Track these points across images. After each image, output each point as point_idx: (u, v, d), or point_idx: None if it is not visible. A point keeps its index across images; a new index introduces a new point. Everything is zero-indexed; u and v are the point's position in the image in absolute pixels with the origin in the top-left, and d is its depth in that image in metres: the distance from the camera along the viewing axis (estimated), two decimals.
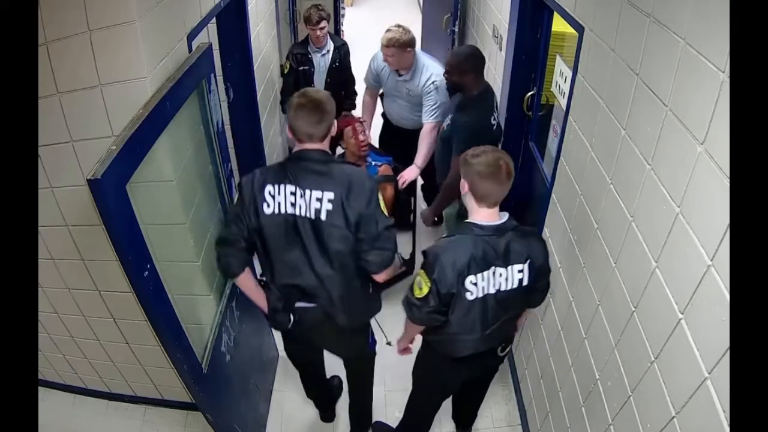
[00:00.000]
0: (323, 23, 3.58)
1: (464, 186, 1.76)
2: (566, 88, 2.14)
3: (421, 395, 2.27)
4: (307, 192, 1.70)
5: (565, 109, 2.12)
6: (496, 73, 3.33)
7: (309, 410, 2.71)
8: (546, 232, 2.30)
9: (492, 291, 1.72)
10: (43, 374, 2.62)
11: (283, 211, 1.72)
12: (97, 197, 1.28)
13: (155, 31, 1.64)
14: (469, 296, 1.69)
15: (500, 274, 1.71)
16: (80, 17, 1.46)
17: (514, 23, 2.79)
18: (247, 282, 1.88)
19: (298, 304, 1.88)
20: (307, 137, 1.72)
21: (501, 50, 3.15)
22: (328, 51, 3.72)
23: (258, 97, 3.30)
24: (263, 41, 3.51)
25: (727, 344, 0.99)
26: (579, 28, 1.90)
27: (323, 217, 1.70)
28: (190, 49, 1.94)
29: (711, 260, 1.08)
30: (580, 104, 1.93)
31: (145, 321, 2.03)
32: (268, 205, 1.72)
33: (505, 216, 1.75)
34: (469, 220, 1.74)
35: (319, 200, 1.70)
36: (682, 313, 1.20)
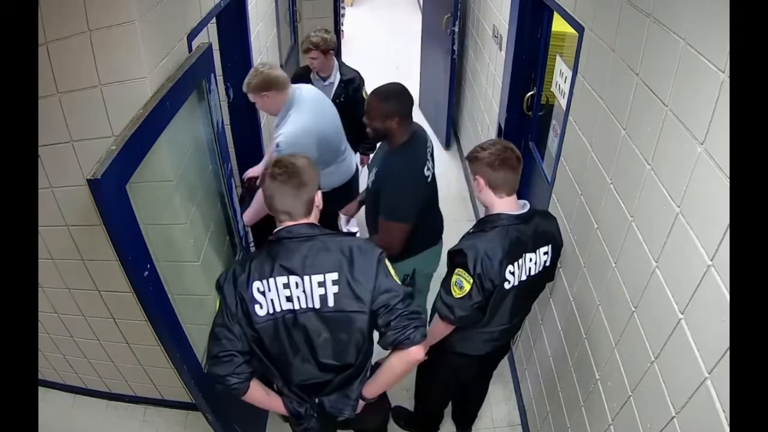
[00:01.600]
0: (313, 53, 3.04)
1: (479, 184, 1.77)
2: (566, 88, 2.14)
3: (432, 394, 2.29)
4: (305, 279, 1.43)
5: (565, 109, 2.12)
6: (496, 73, 3.33)
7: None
8: None
9: (524, 278, 1.75)
10: (43, 374, 2.62)
11: (278, 309, 1.45)
12: (97, 197, 1.28)
13: (155, 31, 1.64)
14: (507, 285, 1.71)
15: (530, 259, 1.75)
16: (80, 17, 1.46)
17: (514, 23, 2.79)
18: (256, 394, 1.53)
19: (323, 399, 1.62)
20: (287, 216, 1.48)
21: (501, 50, 3.15)
22: (332, 83, 3.21)
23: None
24: (263, 41, 3.51)
25: (727, 344, 0.99)
26: (579, 28, 1.90)
27: (331, 303, 1.45)
28: (190, 49, 1.94)
29: (711, 260, 1.08)
30: (580, 104, 1.93)
31: (145, 321, 2.02)
32: (261, 306, 1.44)
33: (526, 203, 1.78)
34: (494, 212, 1.74)
35: (322, 284, 1.44)
36: (682, 313, 1.20)
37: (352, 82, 3.20)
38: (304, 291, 1.44)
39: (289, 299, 1.44)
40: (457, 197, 4.31)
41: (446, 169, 4.67)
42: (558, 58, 2.42)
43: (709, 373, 1.07)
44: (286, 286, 1.43)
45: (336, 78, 3.20)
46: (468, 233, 1.80)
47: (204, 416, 2.04)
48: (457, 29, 4.20)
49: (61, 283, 2.12)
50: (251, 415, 2.49)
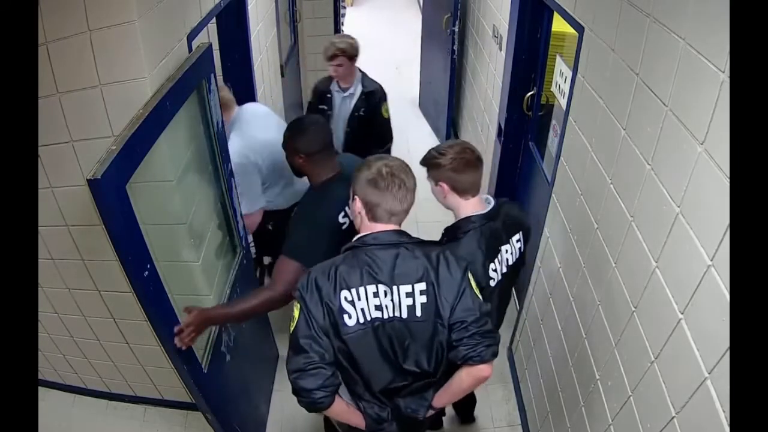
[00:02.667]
0: (339, 59, 2.90)
1: (443, 189, 1.73)
2: (566, 88, 2.14)
3: None
4: (394, 288, 1.39)
5: (565, 109, 2.12)
6: (496, 73, 3.33)
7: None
8: (546, 232, 2.30)
9: (504, 270, 1.76)
10: (43, 374, 2.62)
11: (369, 318, 1.40)
12: (97, 197, 1.28)
13: (155, 31, 1.64)
14: (492, 284, 1.72)
15: (506, 251, 1.76)
16: (80, 17, 1.46)
17: (514, 23, 2.79)
18: (339, 407, 1.49)
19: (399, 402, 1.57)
20: (389, 216, 1.46)
21: (501, 50, 3.15)
22: (352, 95, 3.06)
23: (258, 97, 3.29)
24: (263, 41, 3.51)
25: (727, 344, 0.99)
26: (579, 28, 1.90)
27: (418, 313, 1.41)
28: (190, 49, 1.94)
29: (711, 260, 1.08)
30: (580, 104, 1.93)
31: (145, 321, 2.02)
32: (350, 316, 1.38)
33: (489, 198, 1.78)
34: (462, 216, 1.73)
35: (410, 295, 1.40)
36: (682, 313, 1.20)
37: (373, 95, 3.02)
38: (392, 300, 1.40)
39: (378, 308, 1.40)
40: None
41: None
42: (558, 58, 2.42)
43: (709, 373, 1.07)
44: (376, 295, 1.39)
45: (357, 90, 3.04)
46: (444, 243, 1.73)
47: (204, 416, 2.04)
48: (457, 29, 4.21)
49: (61, 283, 2.12)
50: (251, 415, 2.49)
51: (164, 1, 1.69)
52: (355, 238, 1.48)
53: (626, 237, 1.51)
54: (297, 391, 1.40)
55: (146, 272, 1.50)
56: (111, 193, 1.32)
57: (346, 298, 1.38)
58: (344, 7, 7.40)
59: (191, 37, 1.96)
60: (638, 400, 1.42)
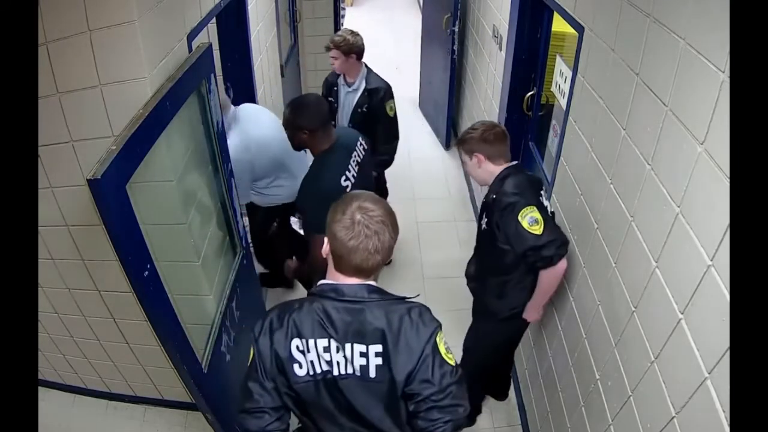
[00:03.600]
0: (333, 52, 2.97)
1: (479, 160, 1.99)
2: (566, 88, 2.14)
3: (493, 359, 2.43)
4: (347, 346, 1.30)
5: (565, 109, 2.12)
6: (496, 73, 3.33)
7: None
8: None
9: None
10: (43, 374, 2.62)
11: (319, 370, 1.32)
12: (97, 197, 1.28)
13: (155, 31, 1.64)
14: (549, 209, 1.96)
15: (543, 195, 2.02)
16: (80, 17, 1.46)
17: (514, 23, 2.80)
18: None
19: None
20: (354, 271, 1.31)
21: (501, 50, 3.15)
22: (356, 90, 3.09)
23: (258, 97, 3.30)
24: (263, 41, 3.51)
25: (727, 344, 0.99)
26: (579, 28, 1.90)
27: (372, 374, 1.31)
28: (190, 49, 1.94)
29: (711, 260, 1.08)
30: (580, 104, 1.93)
31: (145, 321, 2.02)
32: (300, 366, 1.31)
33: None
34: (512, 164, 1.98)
35: (364, 355, 1.30)
36: (682, 313, 1.20)
37: (376, 93, 3.02)
38: (344, 357, 1.30)
39: (329, 363, 1.31)
40: (458, 197, 4.32)
41: (446, 169, 4.68)
42: (558, 58, 2.42)
43: (709, 373, 1.07)
44: (326, 350, 1.30)
45: (361, 86, 3.06)
46: (489, 198, 1.97)
47: (204, 416, 2.04)
48: (457, 29, 4.21)
49: (61, 283, 2.12)
50: None
51: (164, 1, 1.69)
52: (317, 284, 1.36)
53: (626, 237, 1.51)
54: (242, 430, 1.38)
55: (146, 272, 1.50)
56: (111, 193, 1.32)
57: (297, 347, 1.30)
58: (344, 8, 7.40)
59: (191, 37, 1.96)
60: (638, 400, 1.42)
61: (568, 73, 2.11)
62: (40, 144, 1.66)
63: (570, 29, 2.12)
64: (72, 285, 2.13)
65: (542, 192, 1.97)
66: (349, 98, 3.12)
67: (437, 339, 1.31)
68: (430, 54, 5.07)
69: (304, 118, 2.07)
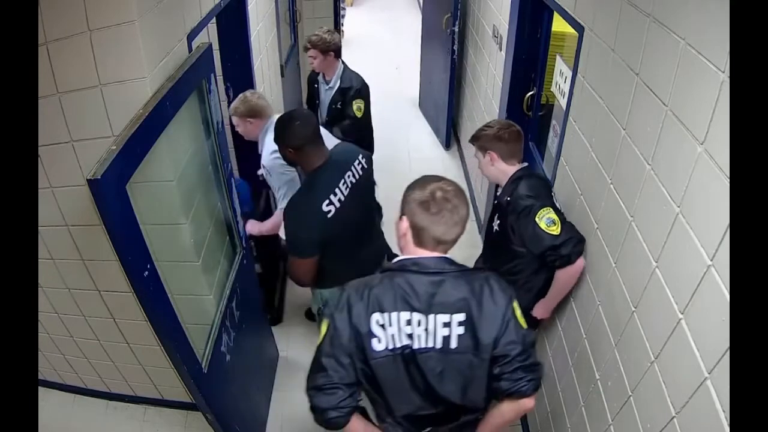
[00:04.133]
0: (311, 52, 3.04)
1: (492, 157, 1.98)
2: (566, 88, 2.14)
3: None
4: (431, 318, 1.33)
5: (565, 109, 2.12)
6: (496, 73, 3.33)
7: (309, 410, 2.71)
8: None
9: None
10: (43, 374, 2.62)
11: (398, 344, 1.34)
12: (97, 197, 1.28)
13: (155, 31, 1.64)
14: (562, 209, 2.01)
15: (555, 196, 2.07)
16: (80, 17, 1.46)
17: (514, 23, 2.79)
18: (355, 426, 1.43)
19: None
20: (435, 243, 1.36)
21: (501, 50, 3.15)
22: (332, 88, 3.18)
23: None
24: (263, 41, 3.51)
25: (727, 344, 0.99)
26: (579, 28, 1.90)
27: (454, 344, 1.34)
28: (190, 49, 1.94)
29: (711, 260, 1.08)
30: (580, 104, 1.93)
31: (145, 321, 2.02)
32: (379, 341, 1.33)
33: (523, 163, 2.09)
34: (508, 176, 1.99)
35: (447, 325, 1.33)
36: (682, 313, 1.20)
37: (347, 91, 3.11)
38: (426, 329, 1.33)
39: (409, 336, 1.33)
40: None
41: (446, 169, 4.67)
42: (558, 58, 2.42)
43: (709, 373, 1.07)
44: (409, 322, 1.33)
45: (336, 84, 3.16)
46: (503, 200, 1.96)
47: (204, 416, 2.04)
48: (457, 29, 4.21)
49: (61, 283, 2.12)
50: (251, 415, 2.49)
51: (164, 1, 1.69)
52: (395, 260, 1.41)
53: (626, 237, 1.51)
54: (312, 408, 1.40)
55: (146, 272, 1.50)
56: (111, 193, 1.32)
57: (377, 322, 1.32)
58: (344, 8, 7.39)
59: (191, 37, 1.96)
60: (638, 400, 1.42)
61: (568, 73, 2.11)
62: (40, 144, 1.65)
63: (570, 29, 2.12)
64: (72, 285, 2.13)
65: (553, 192, 2.00)
66: (327, 95, 3.21)
67: (514, 304, 1.37)
68: (430, 54, 5.07)
69: (289, 135, 1.97)
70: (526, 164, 2.02)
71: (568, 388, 1.95)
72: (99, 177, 1.24)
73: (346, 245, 2.06)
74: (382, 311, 1.33)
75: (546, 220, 1.81)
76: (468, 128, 4.46)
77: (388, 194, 3.58)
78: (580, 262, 1.83)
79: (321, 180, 1.98)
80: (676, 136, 1.23)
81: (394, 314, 1.32)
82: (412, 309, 1.33)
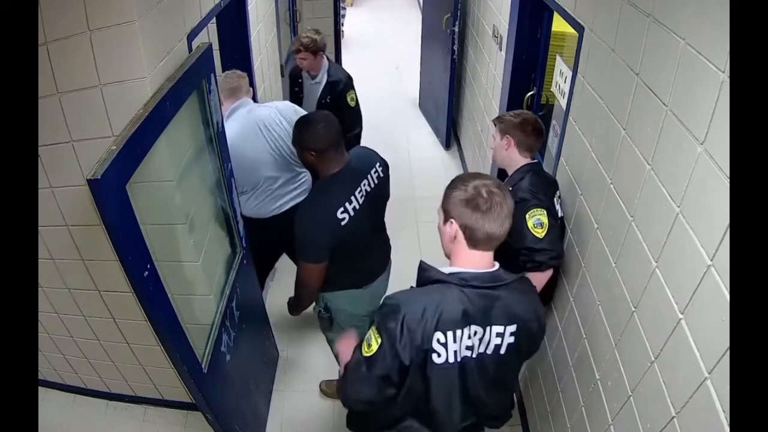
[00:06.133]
0: (302, 54, 3.10)
1: (509, 143, 1.98)
2: (566, 88, 2.15)
3: None
4: (487, 329, 1.35)
5: (565, 109, 2.12)
6: (496, 73, 3.33)
7: (309, 410, 2.72)
8: None
9: (560, 214, 2.06)
10: (43, 374, 2.62)
11: (459, 359, 1.35)
12: (97, 197, 1.28)
13: (155, 31, 1.64)
14: (559, 213, 2.01)
15: (557, 198, 2.09)
16: (80, 17, 1.46)
17: (514, 23, 2.80)
18: (347, 348, 1.53)
19: None
20: (488, 240, 1.34)
21: (501, 50, 3.15)
22: (319, 83, 3.23)
23: (258, 97, 3.29)
24: (263, 41, 3.51)
25: (727, 344, 0.99)
26: (579, 28, 1.90)
27: (503, 351, 1.39)
28: (190, 49, 1.94)
29: (711, 260, 1.08)
30: (580, 104, 1.94)
31: (145, 321, 2.02)
32: (439, 356, 1.33)
33: (538, 155, 2.12)
34: (516, 167, 2.00)
35: (500, 335, 1.37)
36: (682, 313, 1.20)
37: (337, 84, 3.17)
38: (481, 339, 1.36)
39: (469, 348, 1.36)
40: None
41: (446, 169, 4.68)
42: (558, 58, 2.42)
43: (709, 373, 1.07)
44: (470, 337, 1.35)
45: (324, 78, 3.21)
46: (511, 188, 1.91)
47: (204, 416, 2.04)
48: (457, 29, 4.21)
49: (61, 283, 2.12)
50: (251, 415, 2.49)
51: (164, 1, 1.69)
52: (450, 272, 1.37)
53: (626, 237, 1.51)
54: (349, 403, 1.48)
55: (146, 272, 1.50)
56: (111, 193, 1.32)
57: (439, 340, 1.31)
58: (344, 8, 7.39)
59: (191, 37, 1.96)
60: (638, 400, 1.42)
61: (568, 73, 2.11)
62: (40, 144, 1.66)
63: (570, 29, 2.12)
64: (72, 285, 2.13)
65: (557, 196, 1.99)
66: (313, 90, 3.26)
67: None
68: (430, 54, 5.07)
69: (311, 138, 1.91)
70: (537, 161, 2.02)
71: (568, 388, 1.95)
72: (99, 177, 1.24)
73: (355, 252, 2.04)
74: (444, 331, 1.31)
75: (534, 220, 1.81)
76: (468, 128, 4.46)
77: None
78: (548, 272, 1.85)
79: (339, 186, 1.93)
80: (676, 136, 1.23)
81: (458, 331, 1.32)
82: (473, 323, 1.33)
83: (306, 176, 2.69)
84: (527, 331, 1.40)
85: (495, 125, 2.06)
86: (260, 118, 2.50)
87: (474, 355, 1.38)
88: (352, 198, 1.94)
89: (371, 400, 1.38)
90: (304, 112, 2.60)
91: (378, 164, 2.08)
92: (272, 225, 2.61)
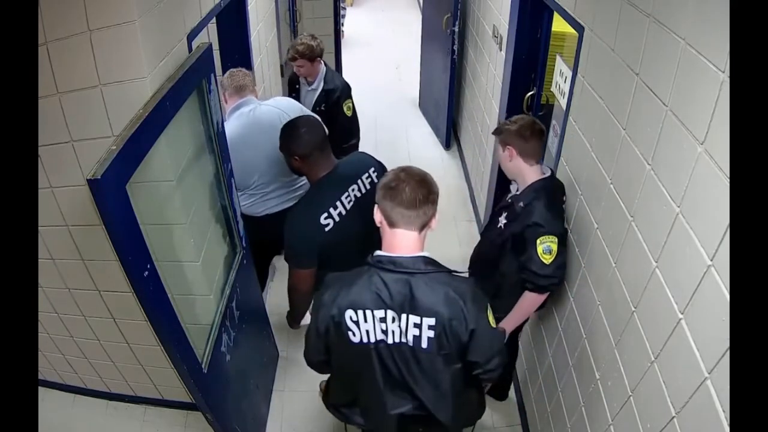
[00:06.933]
0: (299, 61, 3.06)
1: (511, 153, 1.94)
2: (566, 88, 2.15)
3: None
4: (403, 316, 1.39)
5: (565, 109, 2.12)
6: (496, 73, 3.33)
7: (309, 410, 2.71)
8: None
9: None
10: (43, 374, 2.62)
11: (372, 340, 1.43)
12: (97, 197, 1.28)
13: (155, 31, 1.64)
14: (568, 226, 2.02)
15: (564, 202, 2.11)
16: (80, 17, 1.46)
17: (514, 23, 2.79)
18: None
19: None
20: (405, 220, 1.39)
21: (501, 50, 3.15)
22: (315, 90, 3.20)
23: (258, 97, 3.29)
24: (263, 41, 3.51)
25: (727, 344, 0.99)
26: (579, 28, 1.90)
27: (424, 345, 1.42)
28: (190, 49, 1.94)
29: (711, 260, 1.08)
30: (580, 104, 1.93)
31: (145, 321, 2.02)
32: (354, 334, 1.42)
33: (546, 166, 2.02)
34: (528, 182, 1.94)
35: (418, 326, 1.39)
36: (682, 313, 1.20)
37: (332, 93, 3.13)
38: (399, 326, 1.40)
39: (384, 332, 1.41)
40: (458, 197, 4.31)
41: (446, 169, 4.68)
42: (558, 58, 2.42)
43: (709, 373, 1.07)
44: (383, 320, 1.39)
45: (320, 86, 3.17)
46: (517, 206, 1.93)
47: (204, 416, 2.04)
48: (457, 29, 4.21)
49: (61, 283, 2.12)
50: (251, 415, 2.49)
51: (164, 1, 1.69)
52: (375, 254, 1.44)
53: (626, 237, 1.51)
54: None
55: (146, 272, 1.50)
56: (111, 193, 1.32)
57: (351, 318, 1.40)
58: (344, 8, 7.39)
59: (191, 37, 1.96)
60: (638, 400, 1.42)
61: (568, 73, 2.11)
62: (40, 144, 1.66)
63: (570, 29, 2.12)
64: (72, 285, 2.13)
65: (564, 198, 2.00)
66: (309, 96, 3.22)
67: (488, 311, 1.45)
68: (430, 54, 5.07)
69: (294, 143, 1.94)
70: (548, 173, 1.96)
71: (568, 388, 1.95)
72: (99, 177, 1.24)
73: (345, 257, 1.99)
74: (356, 309, 1.40)
75: (544, 247, 1.81)
76: (468, 128, 4.46)
77: None
78: (545, 295, 1.93)
79: (322, 192, 1.96)
80: (676, 136, 1.23)
81: (368, 312, 1.39)
82: (387, 307, 1.39)
83: (304, 181, 2.67)
84: (450, 328, 1.39)
85: (495, 138, 2.06)
86: (265, 119, 2.50)
87: (390, 342, 1.43)
88: (338, 204, 1.93)
89: (312, 360, 1.59)
90: (309, 111, 2.60)
91: (372, 169, 2.08)
92: (264, 224, 2.61)
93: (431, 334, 1.39)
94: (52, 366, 2.57)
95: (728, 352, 0.99)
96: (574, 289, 1.94)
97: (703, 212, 1.12)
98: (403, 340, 1.42)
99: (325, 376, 2.81)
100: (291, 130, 1.99)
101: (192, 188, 2.00)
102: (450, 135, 4.90)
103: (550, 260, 1.82)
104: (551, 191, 1.93)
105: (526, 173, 1.95)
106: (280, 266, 3.24)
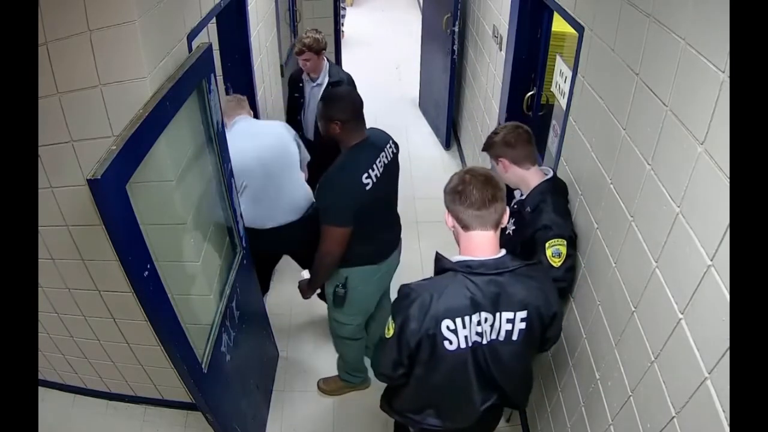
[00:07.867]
0: (306, 54, 3.10)
1: (504, 165, 1.92)
2: (566, 88, 2.14)
3: None
4: (497, 315, 1.44)
5: (565, 109, 2.12)
6: (496, 73, 3.33)
7: (309, 410, 2.71)
8: None
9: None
10: (43, 374, 2.62)
11: (470, 344, 1.45)
12: (97, 197, 1.28)
13: (155, 31, 1.64)
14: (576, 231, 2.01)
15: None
16: (80, 17, 1.46)
17: (514, 23, 2.80)
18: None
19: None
20: (478, 221, 1.43)
21: (501, 50, 3.16)
22: (320, 85, 3.23)
23: (258, 97, 3.30)
24: (263, 41, 3.51)
25: (727, 344, 0.99)
26: (579, 28, 1.90)
27: (515, 337, 1.47)
28: (190, 49, 1.94)
29: (711, 260, 1.08)
30: (580, 104, 1.93)
31: (145, 321, 2.02)
32: (451, 343, 1.43)
33: (549, 169, 1.99)
34: (531, 186, 1.92)
35: (511, 321, 1.45)
36: (682, 313, 1.20)
37: (339, 85, 3.17)
38: (491, 326, 1.45)
39: (479, 334, 1.45)
40: None
41: (446, 169, 4.68)
42: (558, 58, 2.42)
43: (709, 373, 1.07)
44: (479, 323, 1.43)
45: (325, 80, 3.23)
46: (525, 211, 1.91)
47: (204, 416, 2.04)
48: (457, 29, 4.21)
49: (61, 283, 2.12)
50: (251, 415, 2.49)
51: (164, 1, 1.69)
52: (457, 260, 1.46)
53: (626, 237, 1.51)
54: (376, 373, 1.69)
55: (146, 272, 1.50)
56: (111, 193, 1.32)
57: (448, 327, 1.41)
58: (344, 8, 7.39)
59: (191, 37, 1.96)
60: (638, 400, 1.42)
61: (568, 73, 2.11)
62: (40, 144, 1.66)
63: (570, 29, 2.12)
64: (72, 285, 2.13)
65: (569, 199, 1.98)
66: (314, 92, 3.26)
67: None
68: (430, 54, 5.07)
69: (337, 109, 2.09)
70: (550, 173, 1.94)
71: (568, 388, 1.95)
72: (99, 177, 1.24)
73: (374, 224, 2.17)
74: (453, 318, 1.40)
75: (553, 250, 1.80)
76: (468, 128, 4.46)
77: None
78: None
79: (362, 155, 2.11)
80: (676, 136, 1.23)
81: (466, 318, 1.41)
82: (482, 310, 1.42)
83: (299, 192, 2.65)
84: (539, 316, 1.47)
85: (487, 154, 2.03)
86: (257, 128, 2.58)
87: (484, 342, 1.46)
88: (374, 166, 2.10)
89: (387, 374, 1.56)
90: (292, 131, 2.67)
91: (391, 141, 2.26)
92: (267, 236, 2.62)
93: (523, 326, 1.46)
94: (52, 366, 2.57)
95: (728, 352, 0.99)
96: (574, 289, 1.94)
97: (703, 212, 1.12)
98: (495, 337, 1.46)
99: (324, 375, 2.86)
100: (334, 97, 2.17)
101: (192, 188, 2.00)
102: (450, 135, 4.90)
103: (559, 263, 1.80)
104: (556, 192, 1.92)
105: (527, 178, 1.93)
106: (279, 268, 3.24)
